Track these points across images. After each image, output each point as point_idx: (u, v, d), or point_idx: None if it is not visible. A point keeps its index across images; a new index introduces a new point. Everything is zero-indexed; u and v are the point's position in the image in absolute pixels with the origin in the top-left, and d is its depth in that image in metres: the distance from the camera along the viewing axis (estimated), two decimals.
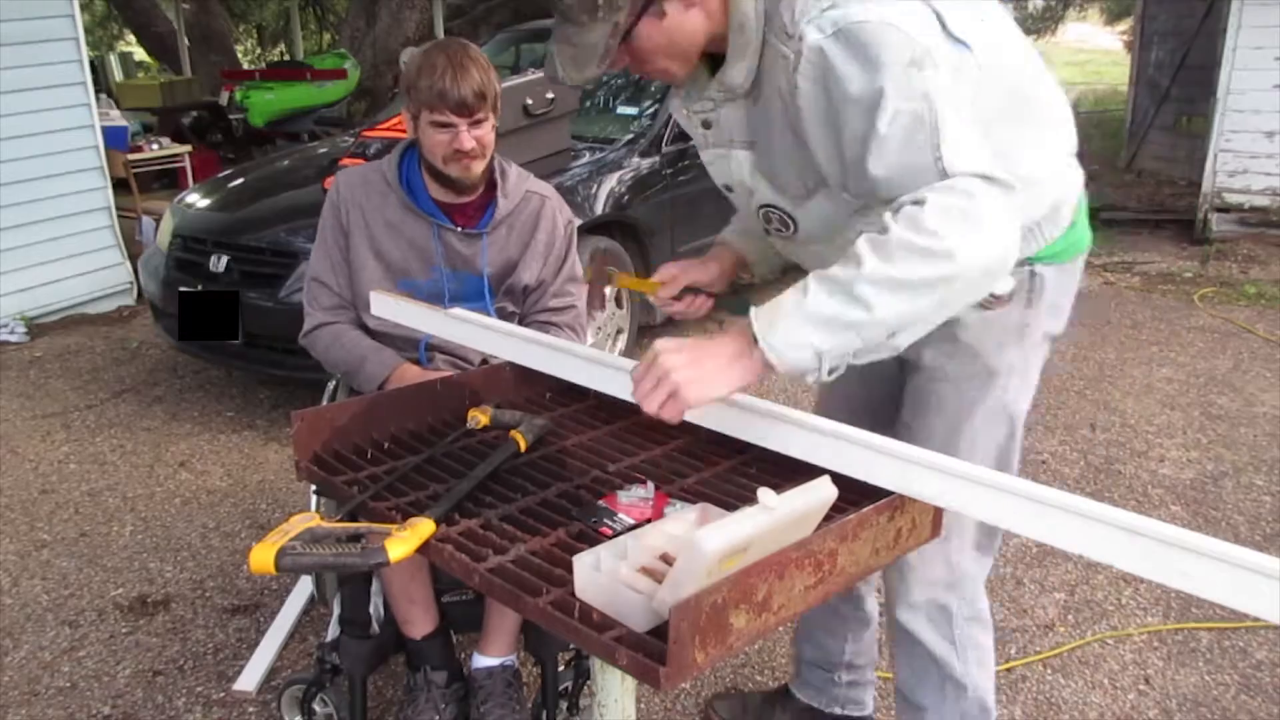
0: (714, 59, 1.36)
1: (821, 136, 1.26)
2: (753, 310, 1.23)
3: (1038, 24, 17.45)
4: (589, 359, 1.60)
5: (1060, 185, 1.44)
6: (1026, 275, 1.45)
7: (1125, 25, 15.52)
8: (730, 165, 1.44)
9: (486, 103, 1.92)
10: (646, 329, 4.45)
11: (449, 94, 1.87)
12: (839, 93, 1.20)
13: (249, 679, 2.31)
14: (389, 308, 1.94)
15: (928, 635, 1.67)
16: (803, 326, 1.18)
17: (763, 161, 1.39)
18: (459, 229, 2.07)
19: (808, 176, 1.34)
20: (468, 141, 1.93)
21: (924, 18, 1.24)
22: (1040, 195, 1.40)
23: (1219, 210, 6.41)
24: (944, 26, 1.26)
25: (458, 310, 1.84)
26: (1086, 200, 1.52)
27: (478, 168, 2.00)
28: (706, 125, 1.42)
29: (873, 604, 1.97)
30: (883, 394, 1.65)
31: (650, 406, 1.25)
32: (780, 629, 2.24)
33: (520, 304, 2.17)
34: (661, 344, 1.26)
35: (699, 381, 1.23)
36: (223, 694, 2.30)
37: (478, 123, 1.93)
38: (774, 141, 1.34)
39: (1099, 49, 20.30)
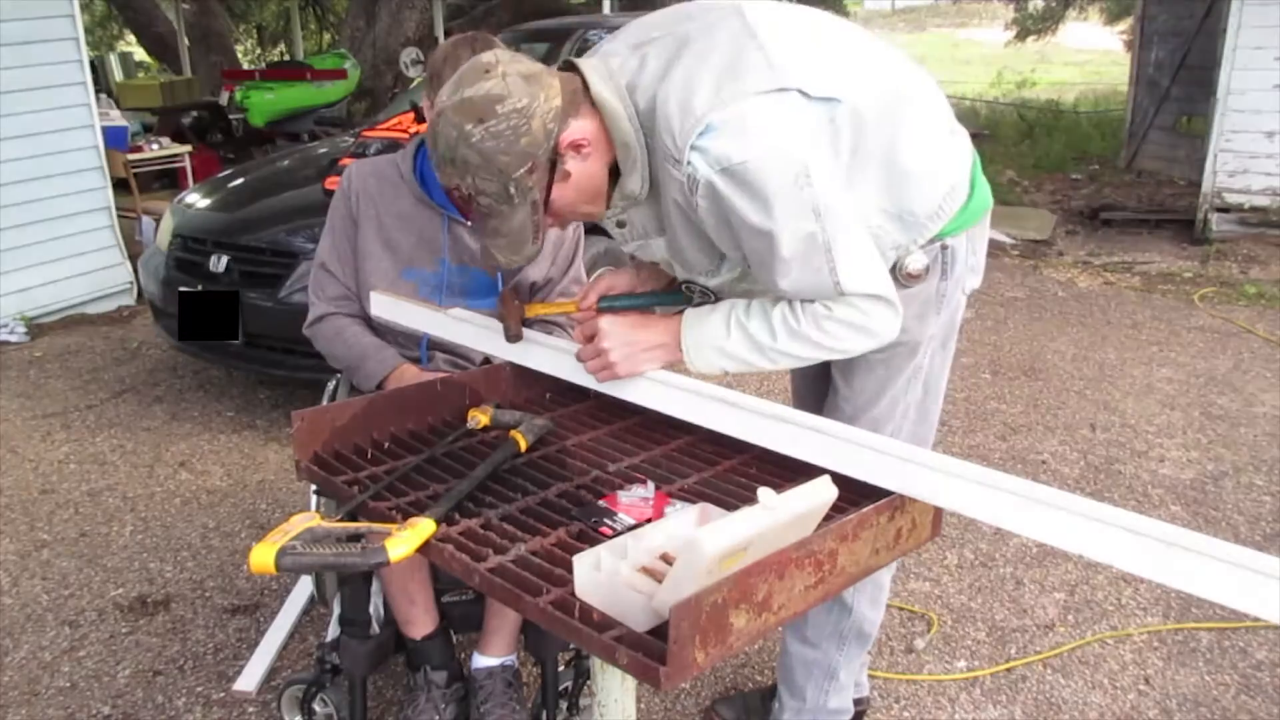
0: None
1: (725, 239, 1.42)
2: (685, 318, 1.49)
3: (1038, 24, 17.43)
4: None
5: (950, 167, 1.55)
6: (938, 250, 1.58)
7: (1125, 25, 15.52)
8: (652, 250, 1.58)
9: None
10: None
11: None
12: (737, 220, 1.36)
13: (249, 679, 2.31)
14: (389, 308, 1.94)
15: None
16: (720, 358, 1.48)
17: (673, 249, 1.53)
18: (470, 223, 2.07)
19: (713, 257, 1.50)
20: None
21: (789, 109, 1.36)
22: (936, 183, 1.52)
23: (1219, 210, 6.41)
24: (808, 96, 1.38)
25: (458, 310, 1.84)
26: (980, 163, 1.65)
27: None
28: (620, 225, 1.56)
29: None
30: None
31: (588, 370, 1.55)
32: (779, 630, 2.24)
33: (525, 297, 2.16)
34: (606, 322, 1.53)
35: (630, 360, 1.52)
36: (223, 694, 2.30)
37: None
38: (679, 234, 1.48)
39: (1099, 49, 20.30)
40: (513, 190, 1.37)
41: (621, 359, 1.52)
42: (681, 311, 1.53)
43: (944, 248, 1.58)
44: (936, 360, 1.71)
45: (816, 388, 1.84)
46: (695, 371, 1.51)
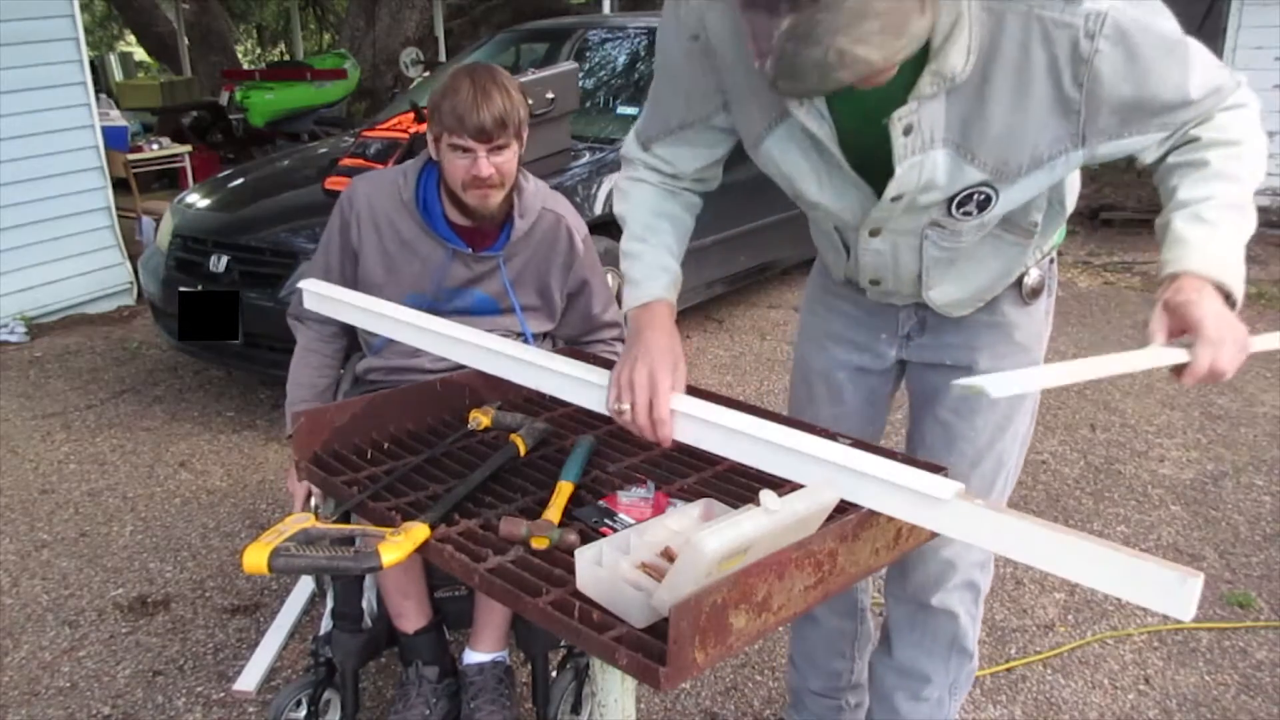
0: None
1: (1119, 94, 1.20)
2: (1198, 263, 1.22)
3: None
4: (554, 370, 1.46)
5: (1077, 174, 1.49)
6: (1047, 265, 1.55)
7: None
8: (921, 171, 1.27)
9: (508, 130, 1.85)
10: None
11: (468, 118, 1.81)
12: (1151, 40, 1.18)
13: (249, 679, 2.31)
14: (323, 302, 1.78)
15: (961, 613, 1.71)
16: (1242, 259, 1.24)
17: (973, 149, 1.25)
18: (473, 252, 2.00)
19: (1040, 142, 1.24)
20: (485, 168, 1.86)
21: None
22: (1076, 187, 1.50)
23: None
24: None
25: (397, 308, 1.71)
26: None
27: (496, 197, 1.92)
28: (908, 132, 1.23)
29: (870, 616, 1.96)
30: (880, 410, 1.74)
31: (1228, 369, 1.24)
32: (780, 630, 2.24)
33: (551, 312, 2.11)
34: (1213, 331, 1.20)
35: (1241, 344, 1.25)
36: (223, 694, 2.30)
37: (498, 149, 1.86)
38: (998, 120, 1.21)
39: None
40: None
41: (1237, 352, 1.24)
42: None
43: (1051, 261, 1.57)
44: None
45: (866, 428, 1.67)
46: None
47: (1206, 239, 1.21)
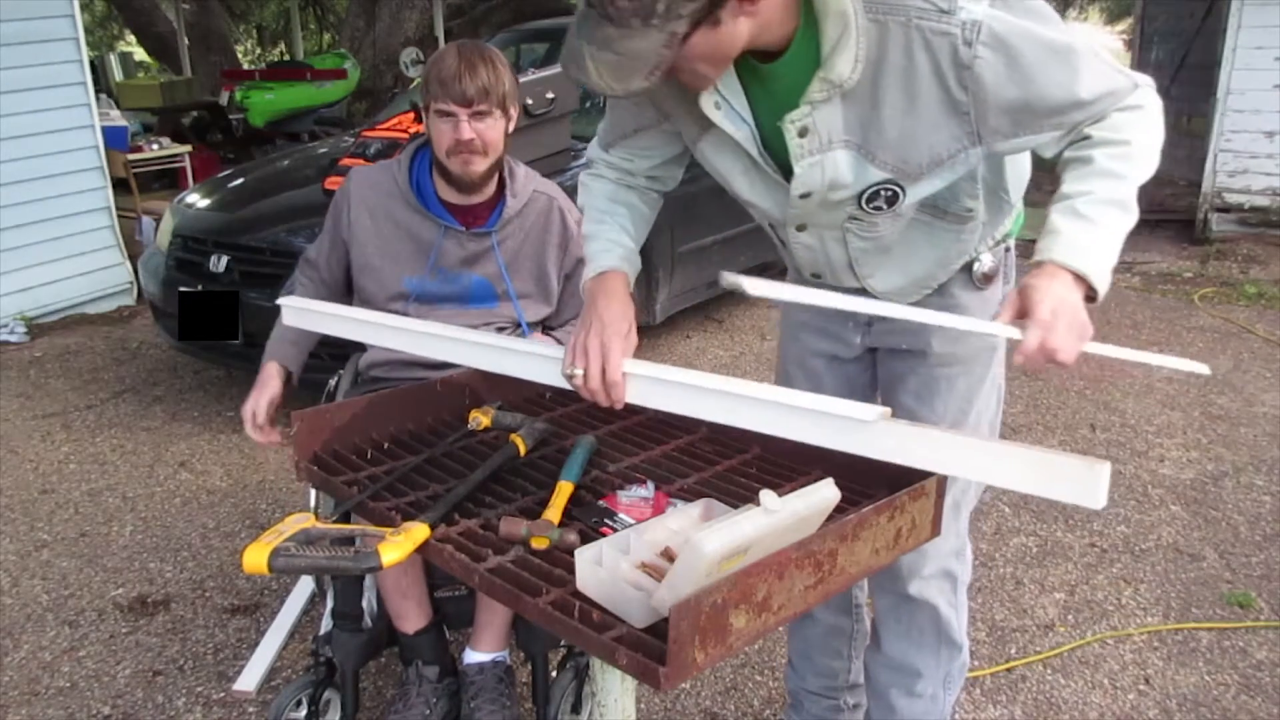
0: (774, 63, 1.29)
1: (1005, 96, 1.25)
2: (1061, 252, 1.24)
3: None
4: (536, 355, 1.50)
5: (1027, 164, 1.55)
6: (1003, 253, 1.59)
7: (1125, 25, 15.54)
8: (823, 170, 1.34)
9: (491, 98, 1.91)
10: (642, 329, 4.45)
11: (452, 84, 1.89)
12: (1031, 47, 1.23)
13: (249, 679, 2.31)
14: (303, 317, 1.83)
15: (940, 602, 1.73)
16: (1114, 253, 1.25)
17: (874, 150, 1.32)
18: (466, 230, 2.05)
19: (936, 144, 1.30)
20: (467, 131, 1.91)
21: None
22: (1023, 178, 1.54)
23: (1219, 210, 6.41)
24: None
25: (387, 316, 1.75)
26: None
27: (478, 164, 1.97)
28: (803, 134, 1.31)
29: (866, 614, 1.96)
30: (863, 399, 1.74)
31: (1061, 350, 1.22)
32: (780, 630, 2.24)
33: (547, 297, 2.12)
34: (1045, 315, 1.20)
35: (1076, 330, 1.23)
36: (223, 694, 2.30)
37: (479, 115, 1.92)
38: (894, 123, 1.28)
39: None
40: (661, 8, 1.12)
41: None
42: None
43: (1007, 249, 1.60)
44: (1002, 369, 1.68)
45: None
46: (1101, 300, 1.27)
47: (1076, 231, 1.25)
